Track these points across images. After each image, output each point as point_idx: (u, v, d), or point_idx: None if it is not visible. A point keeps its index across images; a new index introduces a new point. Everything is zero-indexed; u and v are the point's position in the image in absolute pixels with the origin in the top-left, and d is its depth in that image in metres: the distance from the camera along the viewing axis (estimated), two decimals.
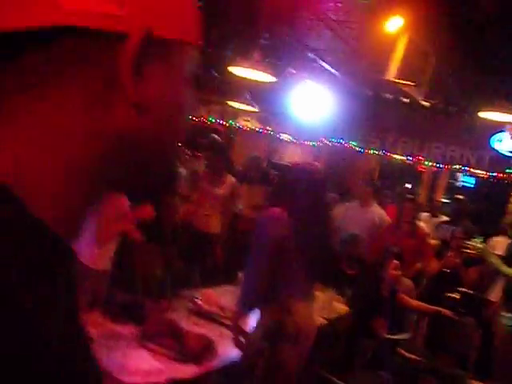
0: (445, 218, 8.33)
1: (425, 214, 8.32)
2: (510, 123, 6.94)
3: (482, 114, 6.34)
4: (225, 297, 4.12)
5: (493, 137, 8.57)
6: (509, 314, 3.99)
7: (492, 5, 4.62)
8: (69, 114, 0.53)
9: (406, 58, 4.86)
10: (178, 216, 5.10)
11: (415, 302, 5.30)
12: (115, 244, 3.81)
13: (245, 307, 3.24)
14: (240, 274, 4.11)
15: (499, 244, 5.90)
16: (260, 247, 3.12)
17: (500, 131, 8.26)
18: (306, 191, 3.25)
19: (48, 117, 0.53)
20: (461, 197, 9.20)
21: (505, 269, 4.12)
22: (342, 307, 4.86)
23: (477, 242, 4.49)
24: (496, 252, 5.73)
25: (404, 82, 4.75)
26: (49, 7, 0.49)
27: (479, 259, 5.33)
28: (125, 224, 3.72)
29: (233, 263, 5.73)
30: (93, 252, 3.58)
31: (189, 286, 4.35)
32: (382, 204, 7.54)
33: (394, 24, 4.88)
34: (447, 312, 5.08)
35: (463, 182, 14.29)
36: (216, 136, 7.03)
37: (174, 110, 0.60)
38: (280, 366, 3.14)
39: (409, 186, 13.13)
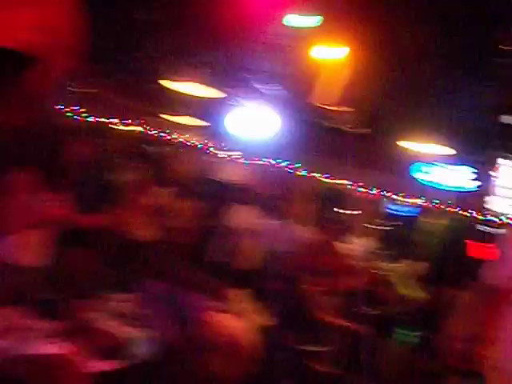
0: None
1: (357, 238, 8.61)
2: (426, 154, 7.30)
3: (403, 144, 6.64)
4: (140, 301, 4.19)
5: (417, 167, 9.00)
6: (402, 330, 4.24)
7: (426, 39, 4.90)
8: None
9: (334, 82, 5.11)
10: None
11: (330, 318, 5.50)
12: (39, 239, 3.87)
13: None
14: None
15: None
16: None
17: (425, 162, 8.68)
18: None
19: None
20: (390, 223, 9.54)
21: (400, 289, 4.38)
22: (262, 319, 4.98)
23: (387, 265, 4.75)
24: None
25: (329, 107, 4.99)
26: None
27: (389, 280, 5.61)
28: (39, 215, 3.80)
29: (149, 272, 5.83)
30: (10, 246, 3.66)
31: (111, 291, 4.41)
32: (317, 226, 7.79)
33: (328, 51, 5.13)
34: (362, 328, 5.30)
35: (391, 209, 14.82)
36: (151, 147, 7.16)
37: None
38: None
39: (341, 210, 13.46)
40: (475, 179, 9.14)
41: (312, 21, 4.48)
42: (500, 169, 8.73)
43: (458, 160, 8.28)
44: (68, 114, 10.41)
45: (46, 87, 0.84)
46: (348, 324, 5.29)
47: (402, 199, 9.58)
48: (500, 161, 8.61)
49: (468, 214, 9.52)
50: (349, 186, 9.92)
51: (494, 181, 8.98)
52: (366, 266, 6.11)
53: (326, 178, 9.78)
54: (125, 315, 3.84)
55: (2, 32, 0.75)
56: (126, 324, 3.78)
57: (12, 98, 0.83)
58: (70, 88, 9.59)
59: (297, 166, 9.78)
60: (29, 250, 3.80)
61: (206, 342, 3.24)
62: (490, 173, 8.91)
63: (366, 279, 5.90)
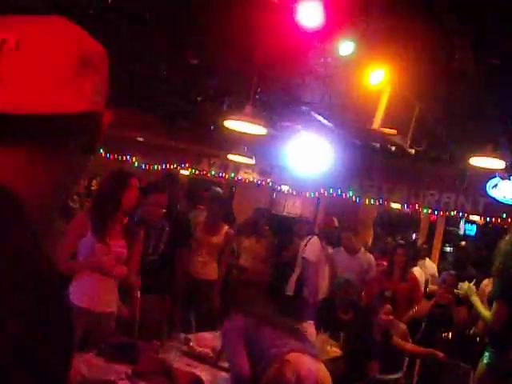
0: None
1: (426, 261, 8.47)
2: (500, 170, 7.09)
3: (473, 162, 6.47)
4: (218, 340, 4.23)
5: (488, 183, 8.75)
6: (487, 352, 4.07)
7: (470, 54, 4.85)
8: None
9: (390, 107, 5.10)
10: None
11: (409, 345, 5.38)
12: (116, 288, 3.97)
13: None
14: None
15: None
16: None
17: (493, 177, 8.45)
18: None
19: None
20: (463, 243, 9.33)
21: (482, 310, 4.23)
22: (335, 350, 4.94)
23: (465, 284, 4.60)
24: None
25: (387, 130, 4.97)
26: None
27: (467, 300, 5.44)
28: (122, 269, 3.91)
29: (228, 309, 5.86)
30: (90, 294, 3.77)
31: (184, 331, 4.48)
32: (381, 251, 7.71)
33: (377, 76, 5.13)
34: (440, 354, 5.15)
35: (465, 229, 14.43)
36: (217, 188, 7.30)
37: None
38: None
39: (408, 233, 13.28)
40: None
41: (351, 47, 4.51)
42: None
43: None
44: (134, 162, 10.77)
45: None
46: (430, 351, 5.16)
47: (471, 217, 9.33)
48: None
49: None
50: (410, 209, 9.76)
51: None
52: (442, 288, 5.95)
53: (389, 202, 9.65)
54: (202, 354, 3.89)
55: (77, 97, 0.85)
56: (204, 363, 3.82)
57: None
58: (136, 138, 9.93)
59: (353, 193, 9.72)
60: (102, 294, 3.90)
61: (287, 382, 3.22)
62: None
63: (441, 302, 5.75)
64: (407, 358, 5.35)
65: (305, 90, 6.72)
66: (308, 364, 3.28)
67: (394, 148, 6.79)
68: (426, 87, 5.40)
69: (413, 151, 6.55)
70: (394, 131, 5.06)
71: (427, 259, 8.65)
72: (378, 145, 7.23)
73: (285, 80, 6.56)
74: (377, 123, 5.19)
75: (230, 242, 6.23)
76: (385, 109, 5.23)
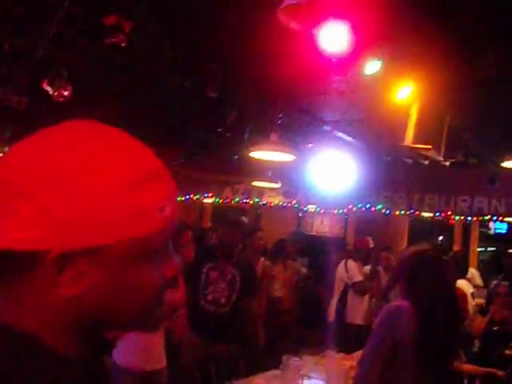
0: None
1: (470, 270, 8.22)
2: None
3: (505, 164, 6.36)
4: (273, 383, 4.07)
5: None
6: None
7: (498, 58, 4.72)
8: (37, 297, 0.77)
9: (420, 121, 4.96)
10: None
11: (466, 366, 5.17)
12: (163, 341, 3.84)
13: None
14: (284, 358, 4.06)
15: None
16: (380, 339, 3.02)
17: None
18: (435, 283, 3.09)
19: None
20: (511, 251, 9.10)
21: None
22: None
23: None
24: None
25: (421, 146, 4.82)
26: None
27: None
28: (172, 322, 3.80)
29: (275, 344, 5.71)
30: (139, 353, 3.63)
31: (235, 375, 4.32)
32: None
33: (405, 91, 4.99)
34: (500, 373, 4.93)
35: (496, 228, 14.15)
36: (244, 218, 7.19)
37: (120, 293, 0.80)
38: None
39: (440, 239, 13.07)
40: None
41: (377, 67, 4.37)
42: None
43: None
44: None
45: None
46: (489, 370, 4.95)
47: (505, 220, 9.11)
48: None
49: None
50: (442, 216, 9.56)
51: None
52: (496, 303, 5.73)
53: (420, 212, 9.46)
54: None
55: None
56: None
57: None
58: None
59: (382, 206, 9.55)
60: (152, 350, 3.76)
61: None
62: None
63: (503, 311, 5.52)
64: (466, 380, 5.13)
65: (328, 109, 6.61)
66: None
67: (427, 162, 6.63)
68: (454, 96, 5.27)
69: (448, 163, 6.39)
70: (428, 146, 4.90)
71: (471, 268, 8.41)
72: (410, 160, 7.07)
73: (307, 100, 6.45)
74: (409, 139, 5.05)
75: (267, 274, 6.10)
76: (415, 123, 5.09)
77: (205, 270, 4.75)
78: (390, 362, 2.97)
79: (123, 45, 4.49)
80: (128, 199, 0.77)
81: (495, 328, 5.46)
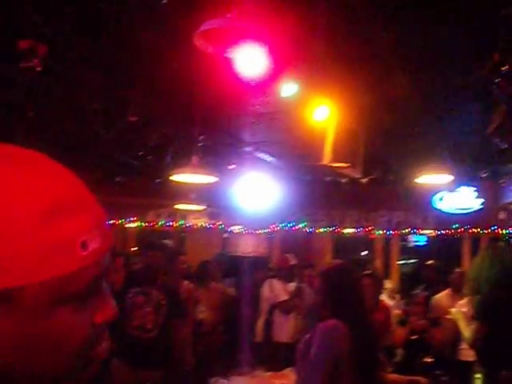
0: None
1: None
2: (446, 183, 7.25)
3: (419, 180, 6.63)
4: None
5: (434, 197, 8.93)
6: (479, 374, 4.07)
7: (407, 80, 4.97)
8: None
9: (337, 141, 5.11)
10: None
11: (391, 376, 5.29)
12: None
13: None
14: (212, 380, 4.05)
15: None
16: (323, 361, 3.02)
17: (439, 191, 8.64)
18: (353, 295, 3.15)
19: None
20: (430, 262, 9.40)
21: (465, 333, 4.23)
22: None
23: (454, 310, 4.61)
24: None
25: (339, 165, 4.97)
26: None
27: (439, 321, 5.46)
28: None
29: (202, 367, 5.68)
30: None
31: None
32: None
33: (321, 112, 5.14)
34: (422, 380, 5.09)
35: (415, 241, 14.64)
36: (168, 241, 7.14)
37: (33, 347, 0.67)
38: None
39: (364, 253, 13.40)
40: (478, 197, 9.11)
41: (294, 88, 4.50)
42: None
43: (459, 183, 8.20)
44: None
45: None
46: (413, 378, 5.09)
47: (429, 232, 9.50)
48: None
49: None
50: (363, 232, 9.84)
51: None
52: (414, 313, 5.94)
53: (342, 229, 9.71)
54: None
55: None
56: None
57: None
58: None
59: (305, 224, 9.74)
60: None
61: None
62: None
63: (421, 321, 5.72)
64: None
65: (248, 131, 6.71)
66: None
67: (344, 180, 6.82)
68: (368, 115, 5.47)
69: (365, 180, 6.60)
70: (345, 165, 5.05)
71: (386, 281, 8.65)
72: (328, 178, 7.26)
73: (227, 123, 6.52)
74: (327, 158, 5.18)
75: (192, 298, 6.08)
76: (332, 142, 5.23)
77: (130, 296, 4.68)
78: (331, 379, 3.01)
79: (38, 69, 4.43)
80: (39, 233, 0.65)
81: (415, 337, 5.66)
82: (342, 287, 3.21)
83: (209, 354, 6.41)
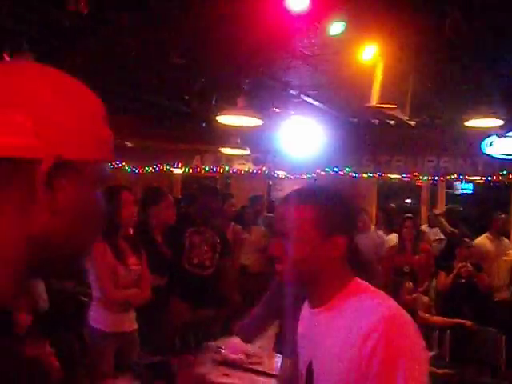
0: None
1: (424, 226, 8.41)
2: (496, 127, 7.05)
3: (469, 123, 6.46)
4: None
5: (483, 142, 8.70)
6: None
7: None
8: None
9: (385, 81, 5.01)
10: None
11: (436, 318, 5.33)
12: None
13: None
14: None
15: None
16: None
17: (488, 135, 8.41)
18: None
19: None
20: (451, 206, 9.29)
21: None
22: None
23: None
24: None
25: (386, 106, 4.88)
26: None
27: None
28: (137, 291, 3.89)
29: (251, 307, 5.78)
30: (109, 316, 3.72)
31: (212, 337, 4.39)
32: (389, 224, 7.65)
33: (369, 52, 5.03)
34: (468, 323, 5.11)
35: (462, 189, 14.40)
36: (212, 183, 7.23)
37: (83, 216, 0.81)
38: None
39: (408, 201, 13.27)
40: None
41: (341, 27, 4.38)
42: None
43: (510, 127, 7.93)
44: (126, 168, 10.61)
45: None
46: (458, 321, 5.12)
47: (476, 178, 9.29)
48: None
49: None
50: (409, 178, 9.71)
51: None
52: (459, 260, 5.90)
53: (387, 174, 9.59)
54: (237, 361, 3.79)
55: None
56: (240, 369, 3.73)
57: None
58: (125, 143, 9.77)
59: (350, 169, 9.64)
60: (125, 313, 3.88)
61: None
62: None
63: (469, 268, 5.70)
64: (437, 336, 5.28)
65: (294, 74, 6.61)
66: None
67: (393, 122, 6.70)
68: (418, 57, 5.32)
69: (413, 123, 6.47)
70: (393, 106, 4.95)
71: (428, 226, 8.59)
72: (376, 121, 7.14)
73: (272, 66, 6.44)
74: (374, 99, 5.10)
75: (237, 239, 6.18)
76: (380, 83, 5.13)
77: (187, 235, 4.80)
78: None
79: (85, 11, 4.43)
80: (102, 129, 0.84)
81: (460, 284, 5.64)
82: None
83: (253, 297, 6.50)
